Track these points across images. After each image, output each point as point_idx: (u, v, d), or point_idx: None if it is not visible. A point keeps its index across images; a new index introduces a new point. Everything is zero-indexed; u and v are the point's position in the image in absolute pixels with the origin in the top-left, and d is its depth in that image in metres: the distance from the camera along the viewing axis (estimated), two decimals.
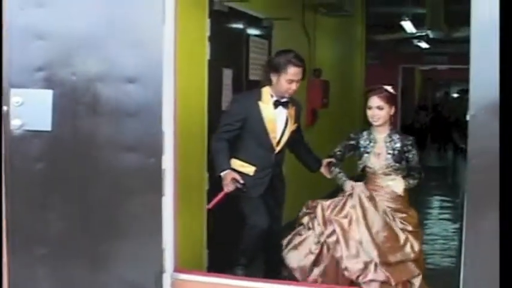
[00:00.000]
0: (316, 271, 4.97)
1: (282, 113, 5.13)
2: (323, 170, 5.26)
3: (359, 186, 5.04)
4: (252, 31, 6.83)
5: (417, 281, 4.88)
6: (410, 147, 5.02)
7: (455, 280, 4.19)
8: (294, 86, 5.01)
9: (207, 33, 5.80)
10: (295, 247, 5.05)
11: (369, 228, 4.86)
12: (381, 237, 4.86)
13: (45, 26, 4.19)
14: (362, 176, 5.20)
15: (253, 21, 6.81)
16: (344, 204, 5.00)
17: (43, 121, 4.21)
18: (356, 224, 4.88)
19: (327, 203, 5.04)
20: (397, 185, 4.99)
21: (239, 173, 5.03)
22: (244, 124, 5.06)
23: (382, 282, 4.72)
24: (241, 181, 4.99)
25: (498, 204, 3.88)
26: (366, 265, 4.75)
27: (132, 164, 4.19)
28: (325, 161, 5.23)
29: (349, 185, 5.07)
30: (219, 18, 5.94)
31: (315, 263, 4.98)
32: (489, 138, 3.90)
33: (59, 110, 4.22)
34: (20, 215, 4.27)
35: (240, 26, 6.56)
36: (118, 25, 4.18)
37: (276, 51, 5.31)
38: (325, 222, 4.96)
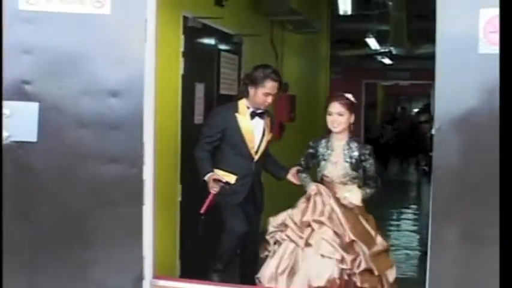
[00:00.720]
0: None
1: (259, 124, 5.38)
2: (290, 177, 5.35)
3: (323, 187, 4.99)
4: (223, 47, 7.01)
5: (391, 273, 4.90)
6: (368, 156, 5.01)
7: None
8: (269, 99, 5.27)
9: (181, 49, 5.97)
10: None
11: (347, 220, 4.80)
12: (358, 229, 4.84)
13: (32, 41, 4.34)
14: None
15: (224, 38, 6.98)
16: (314, 204, 4.92)
17: (29, 133, 4.34)
18: (336, 217, 4.80)
19: (293, 211, 4.99)
20: (354, 196, 4.93)
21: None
22: (223, 135, 5.29)
23: (371, 272, 4.72)
24: (224, 179, 5.19)
25: (460, 214, 4.10)
26: (359, 255, 4.71)
27: (114, 174, 4.35)
28: (293, 169, 5.33)
29: (313, 185, 5.00)
30: (193, 34, 6.11)
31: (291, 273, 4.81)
32: (453, 150, 4.12)
33: (45, 122, 4.36)
34: (5, 224, 4.32)
35: (212, 41, 6.74)
36: (102, 42, 4.36)
37: (254, 66, 5.49)
38: (301, 227, 4.86)
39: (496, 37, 3.92)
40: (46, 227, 4.43)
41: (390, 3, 9.26)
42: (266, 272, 4.86)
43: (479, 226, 4.07)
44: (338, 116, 4.96)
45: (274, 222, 5.04)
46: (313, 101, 11.48)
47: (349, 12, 7.89)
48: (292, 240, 4.84)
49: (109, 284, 4.50)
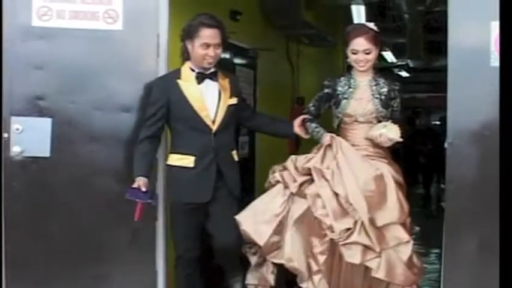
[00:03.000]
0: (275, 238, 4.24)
1: (211, 87, 4.35)
2: (297, 130, 4.56)
3: (338, 138, 4.36)
4: (238, 61, 7.05)
5: (406, 249, 4.15)
6: (397, 93, 4.45)
7: None
8: (211, 52, 4.24)
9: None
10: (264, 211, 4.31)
11: (356, 178, 4.14)
12: (369, 192, 4.13)
13: (45, 57, 4.36)
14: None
15: (239, 52, 7.03)
16: (324, 155, 4.30)
17: (42, 148, 4.35)
18: (340, 175, 4.17)
19: (299, 156, 4.40)
20: (393, 131, 4.25)
21: (180, 167, 4.29)
22: (168, 110, 4.27)
23: (365, 247, 4.05)
24: (143, 188, 4.03)
25: (474, 228, 4.11)
26: (352, 225, 4.09)
27: (127, 189, 4.36)
28: (298, 120, 4.56)
29: (327, 136, 4.35)
30: None
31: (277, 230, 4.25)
32: (466, 164, 4.13)
33: (57, 137, 4.37)
34: (18, 240, 4.36)
35: (227, 56, 6.77)
36: (115, 57, 4.40)
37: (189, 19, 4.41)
38: (299, 173, 4.29)
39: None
40: (59, 241, 4.43)
41: (406, 16, 9.26)
42: (248, 216, 4.30)
43: (493, 240, 4.00)
44: (365, 55, 4.34)
45: (272, 171, 4.47)
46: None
47: None
48: (284, 182, 4.30)
49: None
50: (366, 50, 4.32)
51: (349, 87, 4.42)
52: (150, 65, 4.37)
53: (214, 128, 4.31)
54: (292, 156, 4.41)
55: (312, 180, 4.23)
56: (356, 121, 4.39)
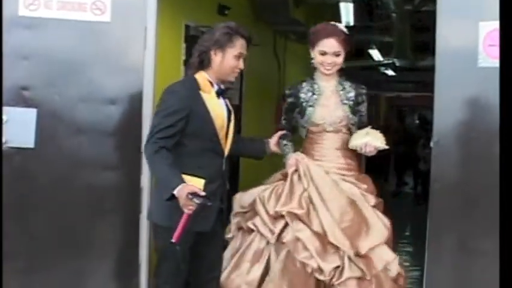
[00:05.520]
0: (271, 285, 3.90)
1: (223, 105, 3.96)
2: (274, 148, 4.22)
3: (304, 159, 4.04)
4: None
5: (394, 266, 3.95)
6: (364, 97, 4.17)
7: None
8: (241, 64, 3.89)
9: (183, 57, 5.99)
10: (236, 265, 4.00)
11: (331, 213, 3.87)
12: (347, 222, 3.89)
13: (31, 47, 4.35)
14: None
15: None
16: (291, 186, 3.97)
17: (27, 139, 4.34)
18: (314, 211, 3.88)
19: (265, 193, 4.01)
20: (377, 138, 3.95)
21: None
22: (186, 124, 3.74)
23: (359, 278, 3.82)
24: (202, 193, 3.58)
25: (457, 227, 4.12)
26: (340, 261, 3.83)
27: (111, 182, 4.36)
28: (275, 138, 4.22)
29: (292, 160, 4.04)
30: (195, 43, 6.12)
31: (264, 274, 3.95)
32: (451, 163, 4.14)
33: (43, 128, 4.36)
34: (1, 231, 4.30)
35: None
36: (102, 49, 4.38)
37: (217, 27, 3.99)
38: (273, 218, 3.94)
39: (495, 50, 3.95)
40: (42, 232, 4.42)
41: (394, 15, 9.29)
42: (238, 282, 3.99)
43: (476, 239, 4.09)
44: (334, 57, 4.02)
45: (241, 201, 4.11)
46: None
47: (352, 23, 7.93)
48: (261, 234, 3.96)
49: None
50: (336, 52, 4.01)
51: (313, 94, 4.09)
52: (137, 57, 4.35)
53: (226, 150, 3.91)
54: (259, 193, 4.04)
55: (286, 223, 3.92)
56: (324, 131, 4.07)
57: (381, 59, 11.85)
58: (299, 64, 10.35)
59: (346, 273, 3.79)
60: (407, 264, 7.69)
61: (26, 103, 4.35)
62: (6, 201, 4.32)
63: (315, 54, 4.05)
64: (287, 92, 4.20)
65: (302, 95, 4.10)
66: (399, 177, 14.65)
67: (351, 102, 4.09)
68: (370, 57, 11.65)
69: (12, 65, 4.30)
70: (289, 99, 4.16)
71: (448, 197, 4.16)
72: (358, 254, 3.83)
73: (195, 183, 3.65)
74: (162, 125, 3.69)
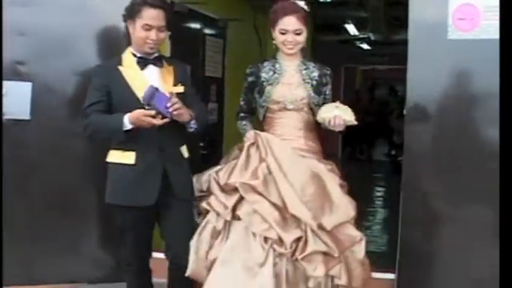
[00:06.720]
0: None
1: (155, 74, 3.73)
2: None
3: (264, 134, 3.80)
4: (208, 31, 7.25)
5: (360, 248, 3.68)
6: (329, 79, 3.92)
7: (392, 262, 4.56)
8: (153, 35, 3.63)
9: (168, 33, 6.17)
10: (196, 252, 3.65)
11: (291, 183, 3.60)
12: (309, 196, 3.61)
13: (26, 23, 4.55)
14: None
15: (209, 22, 7.22)
16: (247, 158, 3.72)
17: (23, 111, 4.56)
18: (273, 182, 3.60)
19: (220, 171, 3.78)
20: (347, 112, 3.69)
21: (120, 165, 3.67)
22: (109, 99, 3.65)
23: (325, 254, 3.52)
24: (149, 91, 3.45)
25: (428, 192, 4.32)
26: (303, 233, 3.53)
27: (103, 152, 4.54)
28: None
29: (250, 133, 3.84)
30: (179, 18, 6.34)
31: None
32: (422, 132, 4.35)
33: (38, 100, 4.57)
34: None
35: (198, 26, 6.98)
36: (93, 25, 4.61)
37: None
38: (226, 193, 3.67)
39: (463, 24, 4.18)
40: (39, 199, 4.63)
41: None
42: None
43: (445, 205, 4.31)
44: (295, 36, 3.78)
45: (197, 183, 3.84)
46: None
47: None
48: (215, 211, 3.66)
49: (101, 256, 4.76)
50: (297, 31, 3.76)
51: (274, 73, 3.86)
52: None
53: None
54: (213, 170, 3.82)
55: (241, 196, 3.62)
56: (285, 108, 3.83)
57: (357, 33, 11.96)
58: None
59: (311, 247, 3.48)
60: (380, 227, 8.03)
61: (22, 77, 4.55)
62: (4, 169, 4.41)
63: (275, 33, 3.80)
64: (248, 71, 3.94)
65: (263, 74, 3.87)
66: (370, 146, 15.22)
67: (314, 82, 3.86)
68: (346, 31, 11.78)
69: (8, 40, 4.46)
70: (250, 79, 3.92)
71: (419, 164, 4.36)
72: (323, 229, 3.55)
73: (126, 159, 3.62)
74: (89, 102, 3.64)
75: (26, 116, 4.57)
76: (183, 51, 6.50)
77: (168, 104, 3.40)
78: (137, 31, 3.63)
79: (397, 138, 12.21)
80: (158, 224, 3.79)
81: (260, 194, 3.57)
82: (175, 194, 3.66)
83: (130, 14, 3.65)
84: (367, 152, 15.38)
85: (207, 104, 6.89)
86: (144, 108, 3.45)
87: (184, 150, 3.82)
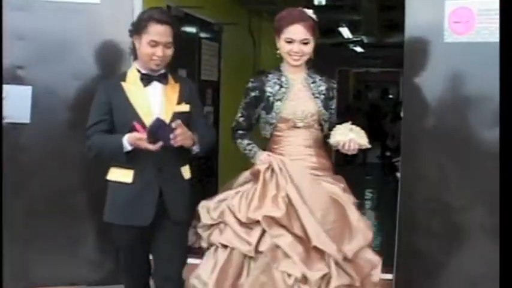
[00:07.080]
0: None
1: (159, 91, 3.64)
2: None
3: (278, 158, 3.58)
4: (204, 35, 7.31)
5: (378, 271, 3.54)
6: (335, 92, 3.76)
7: (389, 262, 4.46)
8: (159, 52, 3.54)
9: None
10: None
11: (312, 213, 3.39)
12: (329, 223, 3.42)
13: (25, 28, 4.57)
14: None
15: (205, 26, 7.28)
16: (263, 186, 3.48)
17: (22, 114, 4.57)
18: (296, 215, 3.40)
19: (234, 201, 3.53)
20: (361, 135, 3.49)
21: (118, 183, 3.61)
22: (111, 116, 3.58)
23: (348, 286, 3.39)
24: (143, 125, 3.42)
25: (426, 191, 4.36)
26: (327, 267, 3.37)
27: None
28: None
29: (263, 155, 3.62)
30: (175, 24, 6.36)
31: None
32: (419, 134, 4.38)
33: (37, 104, 4.58)
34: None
35: (194, 30, 7.03)
36: (92, 29, 4.62)
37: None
38: (247, 227, 3.44)
39: (459, 27, 4.22)
40: (38, 202, 4.64)
41: None
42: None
43: (444, 205, 4.35)
44: (301, 46, 3.57)
45: (208, 210, 3.64)
46: None
47: (324, 3, 8.15)
48: (237, 249, 3.44)
49: (99, 258, 4.76)
50: (304, 40, 3.55)
51: (281, 87, 3.64)
52: (125, 38, 4.51)
53: None
54: (226, 200, 3.59)
55: (263, 229, 3.41)
56: (294, 126, 3.63)
57: (350, 36, 12.02)
58: (274, 43, 10.56)
59: (335, 282, 3.35)
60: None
61: (21, 81, 4.56)
62: (4, 173, 4.39)
63: (280, 43, 3.61)
64: (250, 85, 3.69)
65: (268, 89, 3.64)
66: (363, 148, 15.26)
67: (322, 96, 3.67)
68: (340, 34, 11.84)
69: (8, 45, 4.47)
70: (253, 93, 3.67)
71: (417, 165, 4.40)
72: (345, 259, 3.40)
73: (124, 178, 3.56)
74: (93, 121, 3.61)
75: (26, 119, 4.59)
76: (180, 55, 6.55)
77: (171, 136, 3.34)
78: (143, 47, 3.56)
79: (390, 142, 12.25)
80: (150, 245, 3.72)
81: (283, 226, 3.37)
82: (169, 215, 3.57)
83: (137, 29, 3.59)
84: (361, 155, 15.46)
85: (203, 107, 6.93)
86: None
87: (186, 171, 3.71)
